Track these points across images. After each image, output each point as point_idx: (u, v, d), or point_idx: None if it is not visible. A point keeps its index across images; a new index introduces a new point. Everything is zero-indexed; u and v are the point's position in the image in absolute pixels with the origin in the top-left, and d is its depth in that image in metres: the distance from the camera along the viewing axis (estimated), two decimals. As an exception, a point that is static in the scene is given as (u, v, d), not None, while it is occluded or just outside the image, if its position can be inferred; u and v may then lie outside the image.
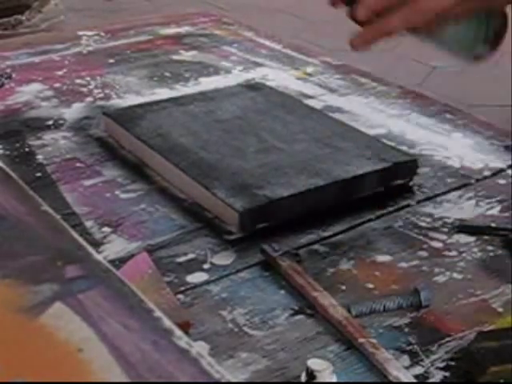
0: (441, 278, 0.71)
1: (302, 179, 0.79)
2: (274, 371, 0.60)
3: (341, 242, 0.76)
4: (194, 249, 0.74)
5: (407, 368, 0.60)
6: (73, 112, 0.99)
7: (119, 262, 0.69)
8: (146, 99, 1.01)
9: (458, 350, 0.62)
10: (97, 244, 0.73)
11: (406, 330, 0.65)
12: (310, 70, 1.15)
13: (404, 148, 0.92)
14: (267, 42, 1.25)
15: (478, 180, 0.88)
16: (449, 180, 0.87)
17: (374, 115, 1.02)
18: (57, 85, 1.07)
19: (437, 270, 0.72)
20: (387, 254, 0.74)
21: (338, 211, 0.79)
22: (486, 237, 0.77)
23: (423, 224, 0.79)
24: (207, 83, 1.08)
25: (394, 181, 0.84)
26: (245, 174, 0.79)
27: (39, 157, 0.88)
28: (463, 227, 0.78)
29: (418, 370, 0.61)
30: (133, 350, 0.44)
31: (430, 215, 0.81)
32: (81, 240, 0.54)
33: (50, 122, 0.96)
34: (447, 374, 0.60)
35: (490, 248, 0.76)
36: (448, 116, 1.03)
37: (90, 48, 1.20)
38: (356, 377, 0.60)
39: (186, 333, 0.60)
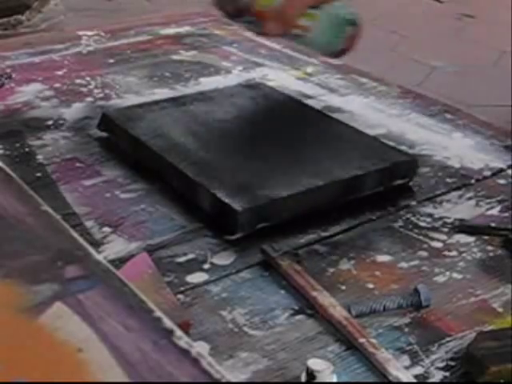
0: (441, 278, 0.71)
1: (302, 179, 0.79)
2: (274, 371, 0.60)
3: (341, 242, 0.76)
4: (194, 249, 0.74)
5: (407, 368, 0.60)
6: (73, 112, 0.99)
7: (119, 262, 0.69)
8: (146, 99, 1.01)
9: (457, 350, 0.62)
10: (97, 244, 0.73)
11: (406, 330, 0.65)
12: (310, 70, 1.15)
13: (404, 148, 0.92)
14: (267, 42, 1.25)
15: (478, 180, 0.88)
16: (449, 180, 0.87)
17: (374, 115, 1.02)
18: (57, 85, 1.07)
19: (437, 270, 0.72)
20: (387, 254, 0.74)
21: (338, 211, 0.79)
22: (485, 237, 0.77)
23: (423, 224, 0.79)
24: (207, 83, 1.08)
25: (394, 181, 0.84)
26: (245, 174, 0.79)
27: (39, 157, 0.88)
28: (463, 227, 0.78)
29: (418, 370, 0.61)
30: (133, 350, 0.44)
31: (430, 215, 0.81)
32: (81, 240, 0.54)
33: (50, 122, 0.96)
34: (447, 374, 0.60)
35: (489, 248, 0.76)
36: (448, 116, 1.03)
37: (90, 48, 1.20)
38: (356, 377, 0.60)
39: (186, 333, 0.60)
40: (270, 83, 1.06)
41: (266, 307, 0.67)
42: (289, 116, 0.93)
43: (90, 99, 1.03)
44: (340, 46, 0.88)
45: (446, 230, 0.78)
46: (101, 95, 1.04)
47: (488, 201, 0.84)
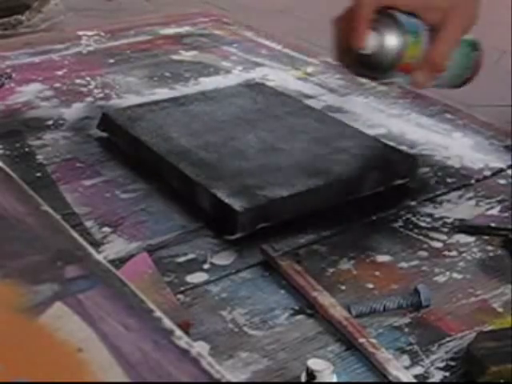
0: (441, 278, 0.71)
1: (301, 179, 0.79)
2: (274, 371, 0.60)
3: (341, 242, 0.76)
4: (194, 249, 0.74)
5: (407, 368, 0.60)
6: (73, 112, 0.99)
7: (119, 262, 0.69)
8: (146, 99, 1.01)
9: (457, 350, 0.62)
10: (97, 244, 0.73)
11: (406, 329, 0.65)
12: (310, 70, 1.15)
13: (404, 148, 0.92)
14: (267, 42, 1.25)
15: (478, 180, 0.88)
16: (449, 180, 0.87)
17: (374, 115, 1.02)
18: (57, 85, 1.07)
19: (437, 270, 0.72)
20: (387, 254, 0.74)
21: (338, 211, 0.79)
22: (485, 237, 0.77)
23: (423, 224, 0.79)
24: (207, 83, 1.08)
25: (394, 181, 0.83)
26: (245, 174, 0.79)
27: (39, 157, 0.88)
28: (463, 227, 0.78)
29: (418, 370, 0.61)
30: (133, 349, 0.44)
31: (430, 215, 0.81)
32: (81, 240, 0.54)
33: (50, 122, 0.96)
34: (447, 374, 0.60)
35: (489, 248, 0.76)
36: (448, 116, 1.03)
37: (90, 48, 1.20)
38: (356, 377, 0.60)
39: (186, 333, 0.60)
40: (270, 83, 1.06)
41: (266, 307, 0.67)
42: (289, 116, 0.93)
43: (89, 99, 1.03)
44: (468, 75, 0.81)
45: (445, 230, 0.78)
46: (101, 95, 1.04)
47: (488, 201, 0.84)
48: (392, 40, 0.73)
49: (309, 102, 1.02)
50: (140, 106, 0.95)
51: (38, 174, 0.85)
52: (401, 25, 0.73)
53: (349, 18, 0.73)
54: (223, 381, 0.43)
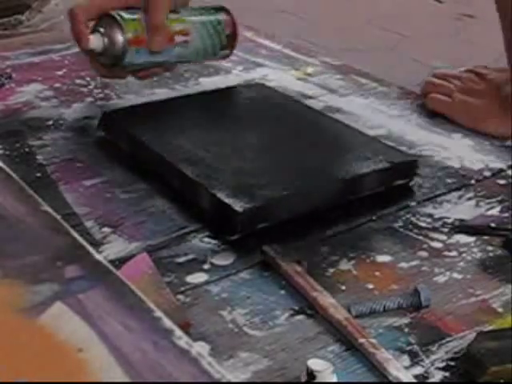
0: (441, 278, 0.71)
1: (302, 179, 0.79)
2: (274, 371, 0.60)
3: (341, 242, 0.76)
4: (194, 249, 0.74)
5: (407, 368, 0.60)
6: (73, 112, 0.99)
7: (119, 262, 0.69)
8: (146, 99, 1.01)
9: (457, 350, 0.62)
10: (97, 244, 0.73)
11: (406, 330, 0.65)
12: (310, 70, 1.15)
13: (404, 148, 0.92)
14: (267, 42, 1.25)
15: (477, 180, 0.88)
16: (449, 180, 0.87)
17: (375, 116, 1.02)
18: (57, 85, 1.07)
19: (437, 270, 0.72)
20: (387, 254, 0.74)
21: (338, 211, 0.79)
22: (485, 237, 0.77)
23: (423, 224, 0.79)
24: (207, 83, 1.08)
25: (394, 181, 0.84)
26: (245, 174, 0.79)
27: (39, 157, 0.88)
28: (463, 227, 0.78)
29: (418, 370, 0.61)
30: (133, 350, 0.44)
31: (430, 215, 0.81)
32: (81, 240, 0.54)
33: (50, 122, 0.96)
34: (447, 374, 0.60)
35: (489, 248, 0.76)
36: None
37: (90, 48, 1.20)
38: (356, 377, 0.60)
39: (186, 333, 0.60)
40: (270, 83, 1.06)
41: (266, 307, 0.67)
42: (289, 116, 0.93)
43: (90, 99, 1.03)
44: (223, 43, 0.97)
45: (445, 230, 0.78)
46: (101, 95, 1.04)
47: (488, 201, 0.84)
48: (113, 33, 0.87)
49: (309, 102, 1.02)
50: (140, 105, 0.95)
51: (38, 174, 0.85)
52: (117, 18, 0.87)
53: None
54: (223, 381, 0.43)
